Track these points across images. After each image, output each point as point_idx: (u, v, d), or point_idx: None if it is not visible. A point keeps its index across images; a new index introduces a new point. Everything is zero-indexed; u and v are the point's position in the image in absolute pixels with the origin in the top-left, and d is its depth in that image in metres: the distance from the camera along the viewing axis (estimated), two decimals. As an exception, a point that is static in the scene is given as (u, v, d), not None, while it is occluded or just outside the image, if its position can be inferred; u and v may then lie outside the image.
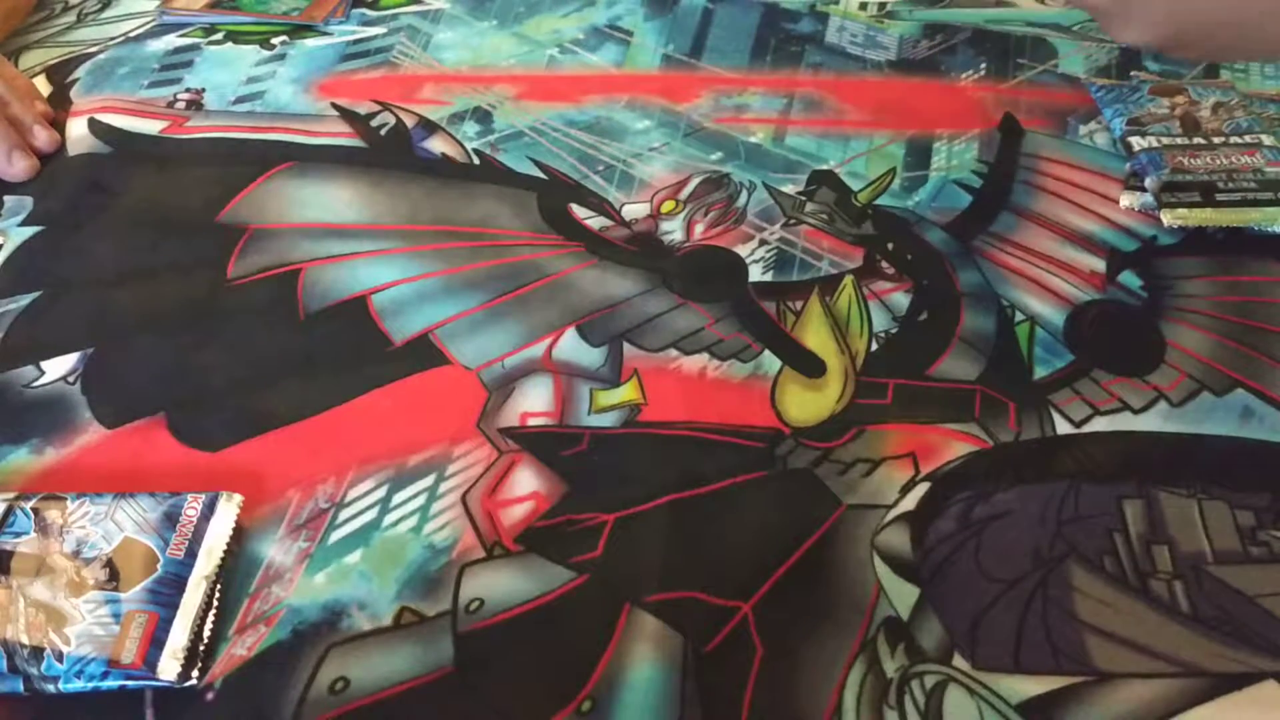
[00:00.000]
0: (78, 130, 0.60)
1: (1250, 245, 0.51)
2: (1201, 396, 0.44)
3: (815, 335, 0.47)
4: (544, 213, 0.54)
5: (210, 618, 0.37)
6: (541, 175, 0.56)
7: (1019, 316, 0.48)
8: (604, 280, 0.50)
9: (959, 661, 0.36)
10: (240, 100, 0.62)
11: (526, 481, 0.42)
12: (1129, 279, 0.49)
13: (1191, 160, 0.53)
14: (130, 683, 0.35)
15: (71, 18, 0.70)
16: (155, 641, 0.36)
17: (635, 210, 0.54)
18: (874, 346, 0.47)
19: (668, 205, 0.54)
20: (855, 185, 0.55)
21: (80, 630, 0.36)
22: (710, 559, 0.39)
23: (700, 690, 0.35)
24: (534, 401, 0.45)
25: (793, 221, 0.53)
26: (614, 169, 0.56)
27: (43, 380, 0.46)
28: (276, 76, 0.63)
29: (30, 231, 0.54)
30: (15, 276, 0.51)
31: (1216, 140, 0.54)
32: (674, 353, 0.47)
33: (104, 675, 0.35)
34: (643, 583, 0.38)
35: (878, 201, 0.54)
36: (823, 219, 0.53)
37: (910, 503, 0.41)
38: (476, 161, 0.57)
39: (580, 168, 0.56)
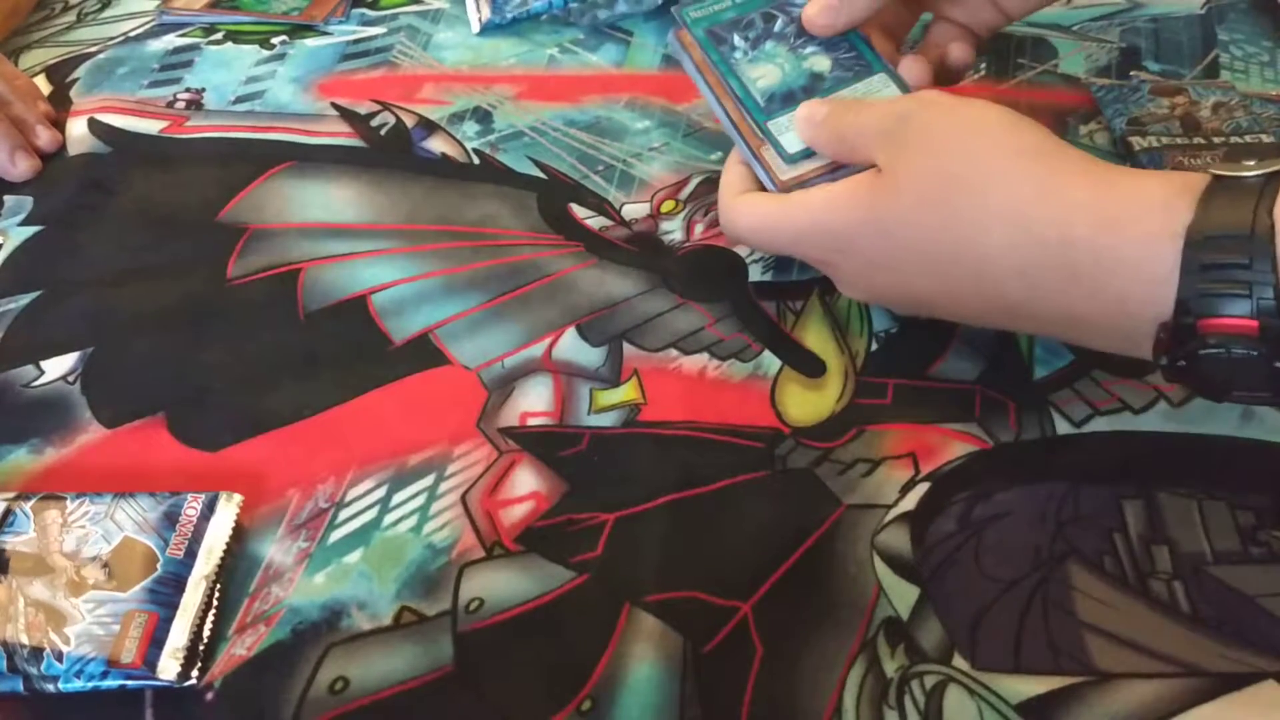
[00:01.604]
0: (78, 130, 0.60)
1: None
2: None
3: (815, 335, 0.47)
4: (544, 213, 0.54)
5: (210, 617, 0.37)
6: (541, 175, 0.56)
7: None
8: (604, 280, 0.50)
9: (959, 661, 0.36)
10: (240, 100, 0.62)
11: (526, 481, 0.42)
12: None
13: (1191, 160, 0.53)
14: (130, 682, 0.35)
15: (71, 17, 0.70)
16: (155, 641, 0.36)
17: (635, 210, 0.54)
18: (874, 346, 0.47)
19: (668, 205, 0.54)
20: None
21: (80, 630, 0.36)
22: (710, 559, 0.39)
23: (700, 690, 0.35)
24: (534, 401, 0.45)
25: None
26: (614, 169, 0.56)
27: (43, 380, 0.46)
28: (276, 76, 0.64)
29: (30, 231, 0.54)
30: (15, 276, 0.51)
31: (1216, 140, 0.54)
32: (674, 353, 0.47)
33: (103, 675, 0.35)
34: (643, 583, 0.38)
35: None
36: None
37: (910, 503, 0.41)
38: (476, 161, 0.57)
39: (580, 168, 0.56)
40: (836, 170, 0.44)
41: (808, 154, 0.44)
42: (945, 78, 0.51)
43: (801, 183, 0.44)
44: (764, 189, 0.45)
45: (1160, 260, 0.34)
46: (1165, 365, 0.35)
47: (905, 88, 0.47)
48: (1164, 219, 0.34)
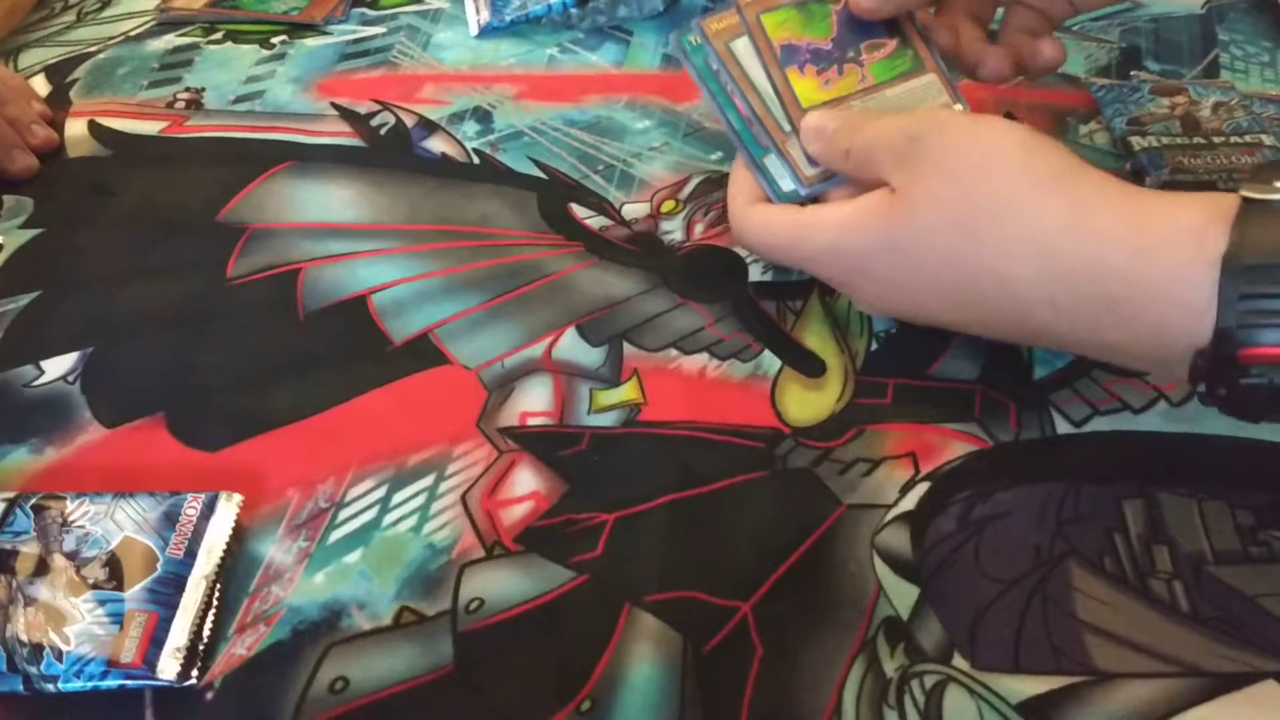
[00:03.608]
0: (78, 132, 0.60)
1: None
2: (1201, 396, 0.44)
3: (815, 335, 0.47)
4: (544, 212, 0.54)
5: (210, 617, 0.37)
6: (541, 175, 0.56)
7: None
8: (604, 280, 0.50)
9: (959, 661, 0.36)
10: (240, 100, 0.62)
11: (526, 481, 0.42)
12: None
13: (1191, 160, 0.53)
14: (130, 682, 0.35)
15: (71, 17, 0.70)
16: (155, 641, 0.36)
17: (635, 210, 0.54)
18: (874, 346, 0.47)
19: (668, 205, 0.54)
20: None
21: (80, 629, 0.36)
22: (710, 559, 0.39)
23: (700, 690, 0.35)
24: (534, 401, 0.45)
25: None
26: (614, 169, 0.56)
27: (43, 380, 0.46)
28: (276, 76, 0.63)
29: (31, 234, 0.54)
30: (15, 278, 0.51)
31: (1216, 140, 0.54)
32: (674, 352, 0.47)
33: (103, 675, 0.35)
34: (643, 583, 0.38)
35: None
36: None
37: (910, 502, 0.41)
38: (476, 161, 0.57)
39: (580, 167, 0.56)
40: None
41: None
42: (1026, 71, 0.50)
43: (822, 178, 0.44)
44: (766, 198, 0.45)
45: (1197, 289, 0.33)
46: (1203, 393, 0.34)
47: (955, 91, 0.46)
48: (1198, 246, 0.33)
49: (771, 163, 0.45)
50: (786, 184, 0.45)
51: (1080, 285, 0.36)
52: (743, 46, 0.47)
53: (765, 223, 0.44)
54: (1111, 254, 0.35)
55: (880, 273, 0.41)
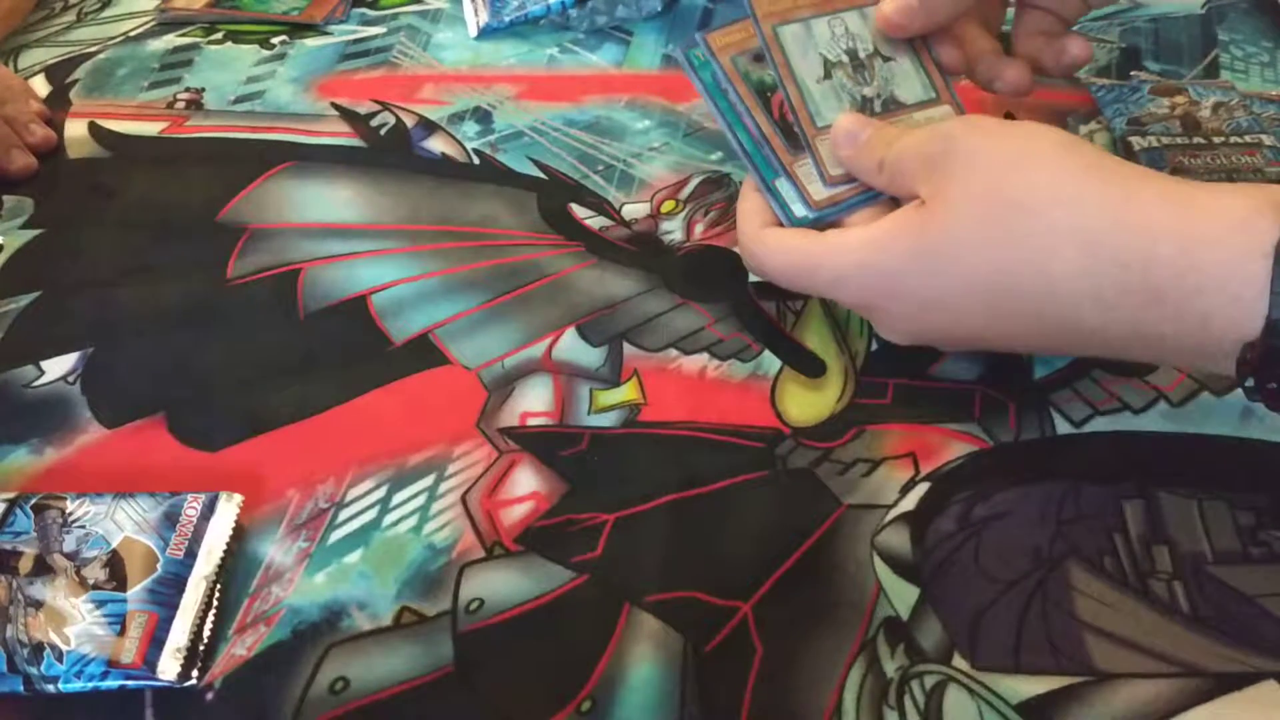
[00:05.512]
0: (78, 133, 0.60)
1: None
2: (1201, 396, 0.44)
3: (815, 335, 0.47)
4: (544, 212, 0.54)
5: (210, 618, 0.37)
6: (541, 175, 0.56)
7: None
8: (604, 280, 0.50)
9: (959, 661, 0.36)
10: (240, 100, 0.62)
11: (526, 481, 0.42)
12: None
13: (1191, 160, 0.53)
14: (130, 682, 0.35)
15: (71, 17, 0.70)
16: (155, 641, 0.36)
17: (635, 210, 0.54)
18: (874, 346, 0.47)
19: (668, 205, 0.54)
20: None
21: (80, 630, 0.36)
22: (710, 559, 0.39)
23: (700, 690, 0.35)
24: (534, 401, 0.45)
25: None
26: (614, 169, 0.56)
27: (43, 380, 0.46)
28: (276, 76, 0.64)
29: (31, 234, 0.54)
30: (15, 278, 0.51)
31: (1216, 140, 0.54)
32: (674, 353, 0.47)
33: (104, 675, 0.35)
34: (643, 583, 0.38)
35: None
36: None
37: (910, 503, 0.41)
38: (476, 161, 0.57)
39: (580, 167, 0.56)
40: (868, 193, 0.42)
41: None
42: (1048, 72, 0.49)
43: (834, 203, 0.43)
44: (779, 222, 0.43)
45: (1249, 280, 0.33)
46: (1251, 387, 0.34)
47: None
48: (1249, 237, 0.33)
49: (784, 186, 0.43)
50: (800, 209, 0.43)
51: (1129, 278, 0.35)
52: (745, 64, 0.45)
53: (783, 248, 0.42)
54: (1162, 245, 0.34)
55: (913, 290, 0.39)
